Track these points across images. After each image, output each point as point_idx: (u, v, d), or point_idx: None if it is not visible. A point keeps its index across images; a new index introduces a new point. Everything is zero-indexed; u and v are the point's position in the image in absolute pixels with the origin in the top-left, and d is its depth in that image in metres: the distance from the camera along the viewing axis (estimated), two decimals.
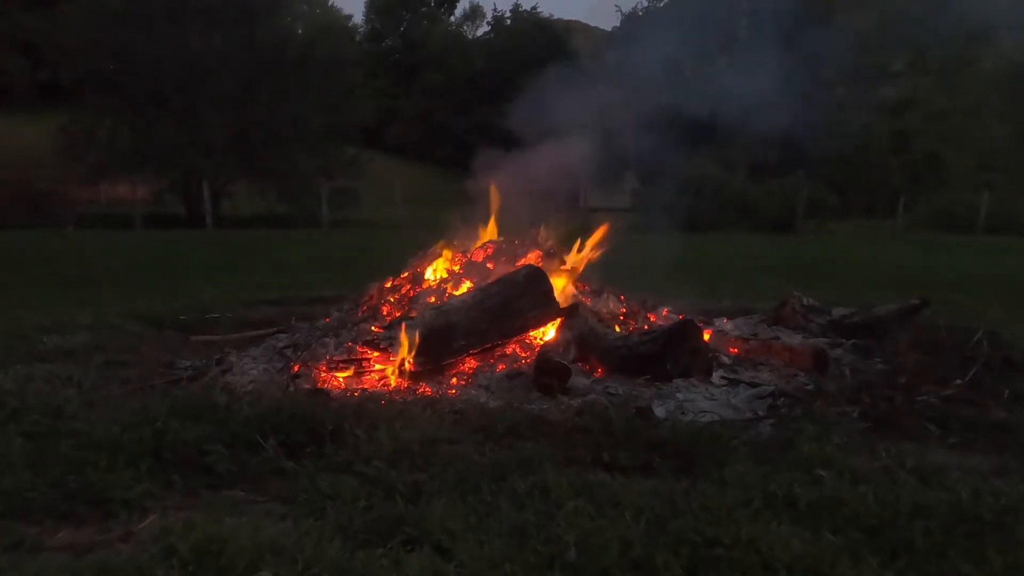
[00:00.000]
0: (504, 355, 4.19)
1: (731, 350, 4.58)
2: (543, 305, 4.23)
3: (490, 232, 5.39)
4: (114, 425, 2.89)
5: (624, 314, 4.92)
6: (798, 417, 3.40)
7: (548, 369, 3.75)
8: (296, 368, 4.05)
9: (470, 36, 56.41)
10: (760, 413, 3.57)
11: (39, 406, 3.17)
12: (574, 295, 4.82)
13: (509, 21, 51.96)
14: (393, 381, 3.89)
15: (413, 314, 4.58)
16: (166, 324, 5.68)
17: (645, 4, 40.24)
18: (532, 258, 4.95)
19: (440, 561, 1.99)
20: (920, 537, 2.12)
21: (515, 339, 4.26)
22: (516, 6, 52.20)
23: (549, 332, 4.40)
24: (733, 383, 3.97)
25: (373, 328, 4.56)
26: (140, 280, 8.94)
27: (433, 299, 4.67)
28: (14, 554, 2.13)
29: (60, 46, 24.64)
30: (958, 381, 3.97)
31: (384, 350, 4.22)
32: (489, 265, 5.02)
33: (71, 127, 23.90)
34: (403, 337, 3.93)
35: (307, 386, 3.74)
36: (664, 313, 5.18)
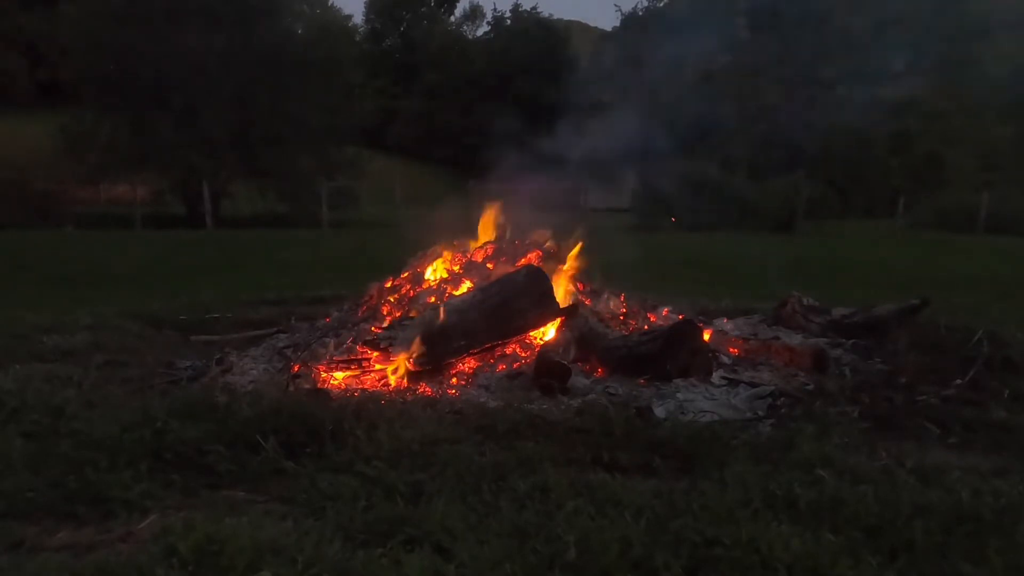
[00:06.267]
0: (504, 355, 4.19)
1: (731, 350, 4.57)
2: (543, 305, 4.22)
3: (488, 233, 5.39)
4: (114, 425, 2.88)
5: (624, 314, 4.92)
6: (798, 417, 3.40)
7: (548, 369, 3.75)
8: (296, 368, 4.05)
9: (470, 36, 56.39)
10: (760, 413, 3.57)
11: (39, 406, 3.17)
12: (574, 295, 4.81)
13: (509, 21, 51.91)
14: (393, 381, 3.89)
15: (413, 314, 4.58)
16: (166, 324, 5.67)
17: (645, 4, 40.33)
18: (532, 258, 4.95)
19: (440, 561, 1.99)
20: (920, 537, 2.12)
21: (515, 339, 4.26)
22: (516, 6, 52.19)
23: (549, 332, 4.40)
24: (733, 383, 3.97)
25: (373, 328, 4.55)
26: (140, 280, 8.94)
27: (433, 299, 4.67)
28: (14, 554, 2.13)
29: (60, 46, 24.63)
30: (958, 381, 3.97)
31: (384, 350, 4.22)
32: (489, 265, 5.02)
33: (71, 127, 23.88)
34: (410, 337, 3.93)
35: (307, 386, 3.74)
36: (664, 313, 5.18)
